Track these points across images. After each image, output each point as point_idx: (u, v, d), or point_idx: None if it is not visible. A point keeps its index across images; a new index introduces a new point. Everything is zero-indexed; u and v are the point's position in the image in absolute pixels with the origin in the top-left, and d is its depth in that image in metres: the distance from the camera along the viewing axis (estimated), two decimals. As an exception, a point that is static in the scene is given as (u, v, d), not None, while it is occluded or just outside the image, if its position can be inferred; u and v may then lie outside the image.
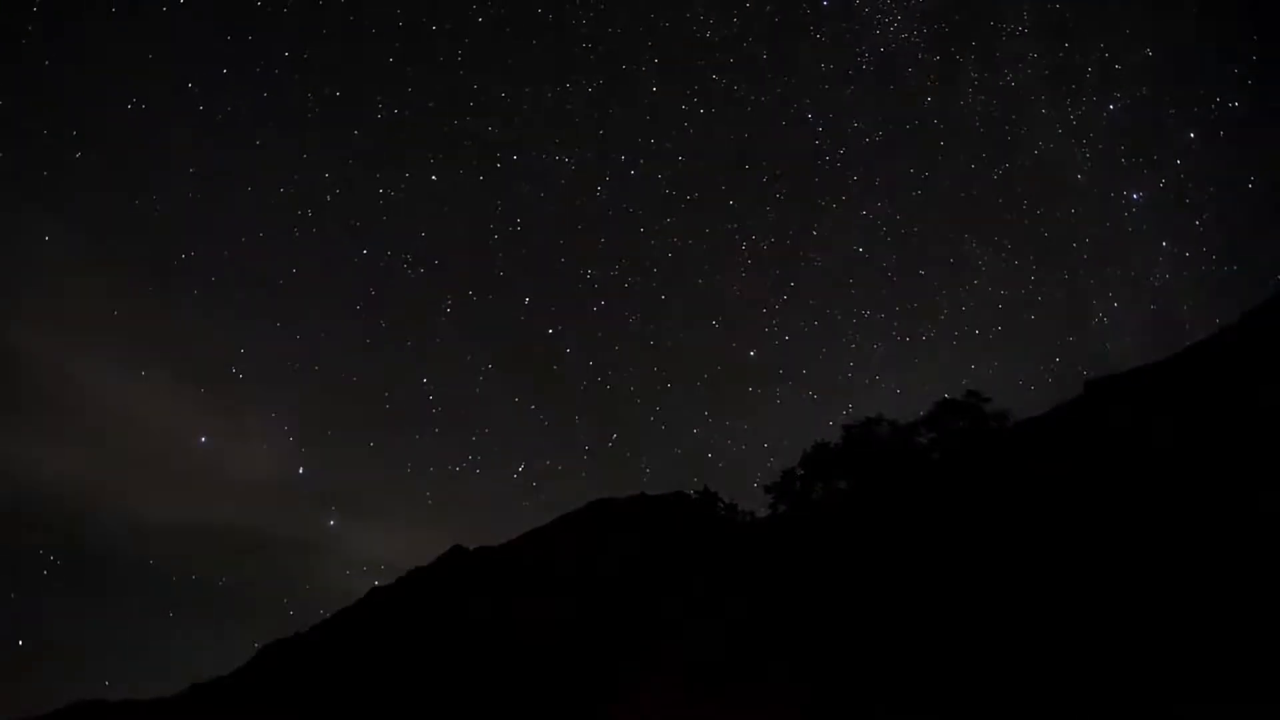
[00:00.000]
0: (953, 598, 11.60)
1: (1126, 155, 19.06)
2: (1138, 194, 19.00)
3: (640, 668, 13.22)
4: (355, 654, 15.31)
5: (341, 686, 14.44)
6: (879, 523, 13.76)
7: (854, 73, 20.47)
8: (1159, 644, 8.52)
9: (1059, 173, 20.64)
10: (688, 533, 16.53)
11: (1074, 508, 11.59)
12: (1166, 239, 19.68)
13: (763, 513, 15.73)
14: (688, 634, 13.59)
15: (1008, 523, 12.26)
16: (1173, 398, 10.66)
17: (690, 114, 19.81)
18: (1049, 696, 8.56)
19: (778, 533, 15.28)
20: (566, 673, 13.69)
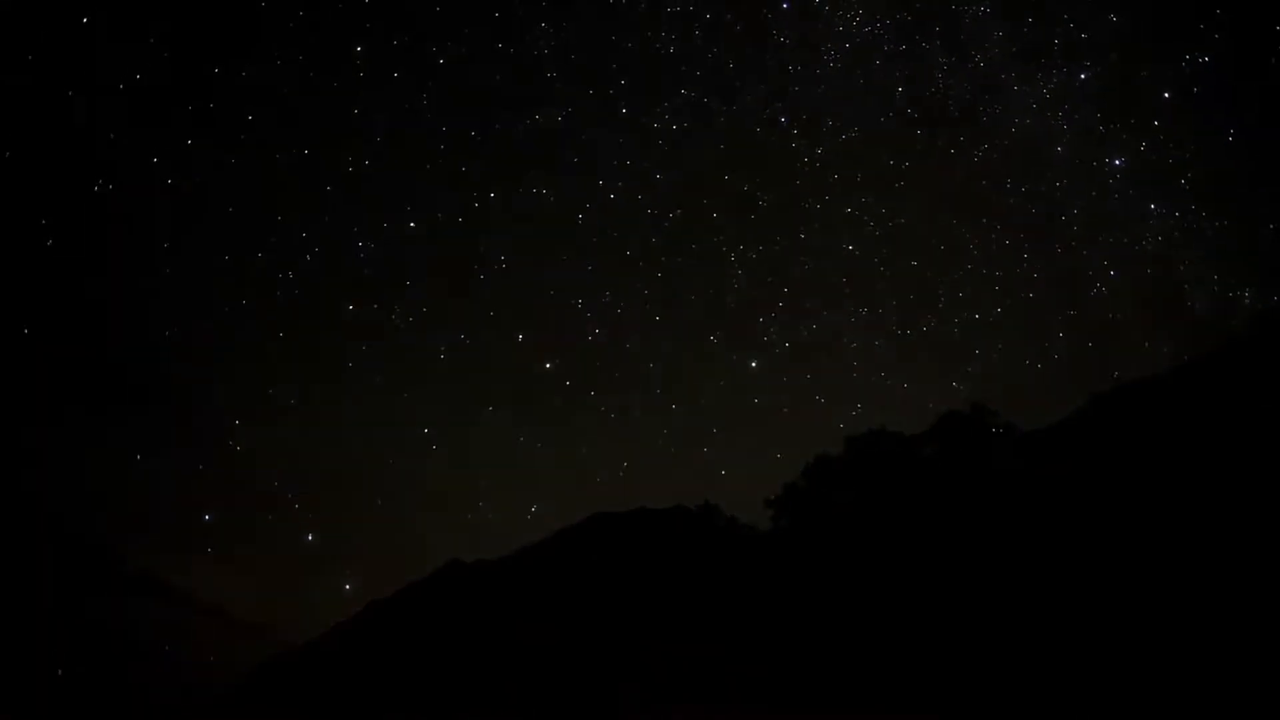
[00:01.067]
0: (953, 614, 11.53)
1: (1104, 123, 19.39)
2: (1120, 160, 19.26)
3: (639, 685, 13.08)
4: (350, 668, 15.11)
5: (336, 701, 14.24)
6: (881, 537, 13.69)
7: (821, 71, 20.73)
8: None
9: (1039, 148, 20.83)
10: (688, 547, 16.41)
11: (1079, 522, 11.56)
12: (1154, 201, 19.83)
13: (765, 526, 15.65)
14: (687, 649, 13.46)
15: (1016, 540, 12.21)
16: (1178, 410, 10.68)
17: (663, 131, 20.09)
18: None
19: (779, 547, 15.19)
20: (564, 688, 13.53)
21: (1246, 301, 20.20)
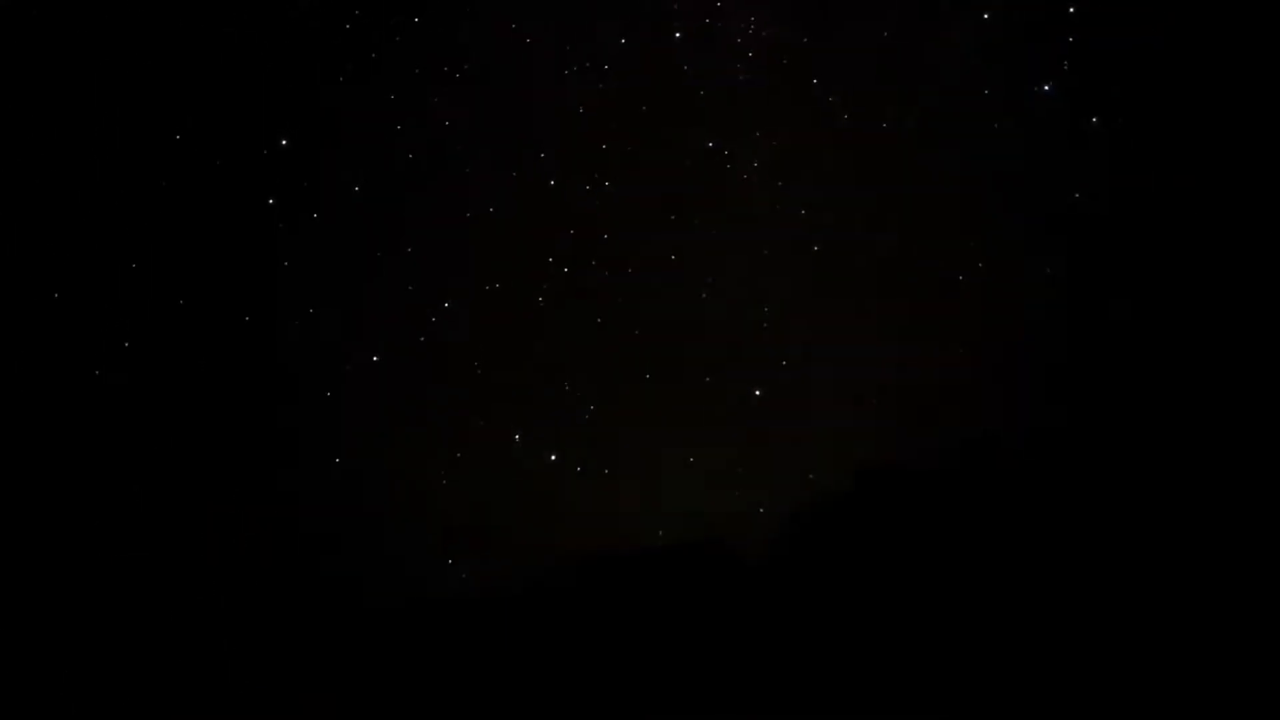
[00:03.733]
0: (966, 648, 11.08)
1: (1020, 55, 18.27)
2: (1048, 85, 18.65)
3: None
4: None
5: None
6: (889, 569, 13.19)
7: (734, 86, 19.15)
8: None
9: (968, 93, 19.60)
10: (690, 583, 15.86)
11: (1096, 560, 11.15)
12: (1095, 114, 18.69)
13: (771, 562, 15.06)
14: (691, 687, 12.89)
15: (1030, 573, 11.80)
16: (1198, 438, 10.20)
17: (596, 191, 18.40)
18: None
19: (785, 582, 14.61)
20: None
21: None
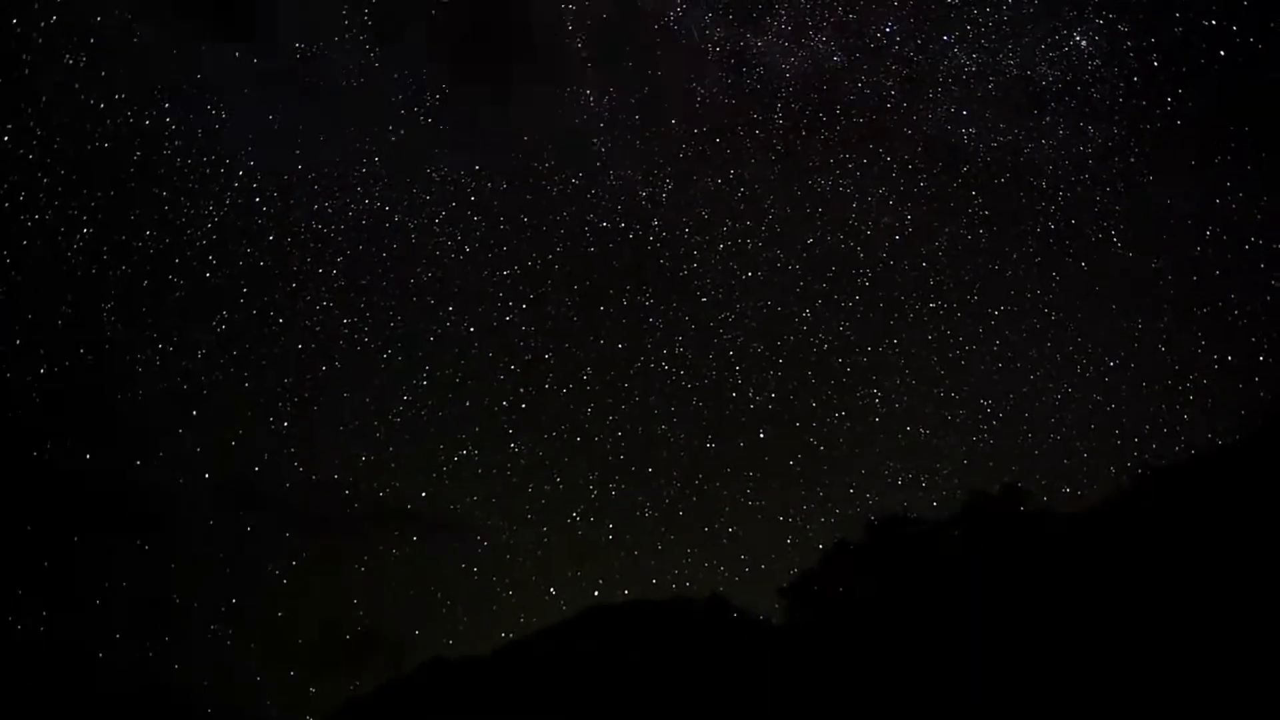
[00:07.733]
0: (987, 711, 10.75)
1: (861, 11, 20.27)
2: (889, 25, 19.84)
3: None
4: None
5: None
6: (909, 628, 12.91)
7: (606, 160, 19.69)
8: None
9: (849, 79, 20.85)
10: (693, 642, 15.42)
11: (1121, 615, 10.91)
12: (955, 31, 20.21)
13: (780, 619, 14.77)
14: None
15: (1046, 630, 11.51)
16: (1235, 493, 10.13)
17: (527, 316, 18.47)
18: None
19: (793, 640, 14.31)
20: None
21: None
